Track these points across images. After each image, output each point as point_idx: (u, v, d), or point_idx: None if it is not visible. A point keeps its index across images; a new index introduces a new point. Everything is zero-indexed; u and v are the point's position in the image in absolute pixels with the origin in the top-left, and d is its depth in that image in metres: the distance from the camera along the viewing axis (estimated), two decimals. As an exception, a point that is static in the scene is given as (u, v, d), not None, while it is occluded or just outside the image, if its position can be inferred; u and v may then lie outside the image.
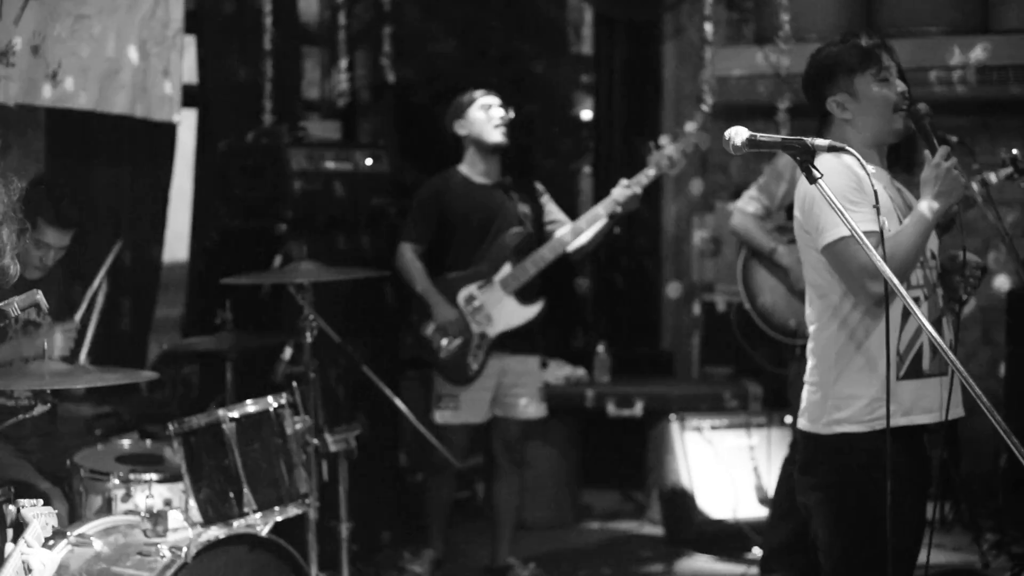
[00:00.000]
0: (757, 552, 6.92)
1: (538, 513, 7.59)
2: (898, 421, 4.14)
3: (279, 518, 4.94)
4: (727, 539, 7.07)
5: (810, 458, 4.25)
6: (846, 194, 4.03)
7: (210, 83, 7.64)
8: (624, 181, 6.42)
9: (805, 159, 3.28)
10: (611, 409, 7.79)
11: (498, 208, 6.46)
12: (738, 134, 3.32)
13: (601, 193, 8.73)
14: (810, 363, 4.28)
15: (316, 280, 5.61)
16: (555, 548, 7.36)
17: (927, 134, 4.17)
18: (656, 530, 7.54)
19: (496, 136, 6.42)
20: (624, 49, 9.10)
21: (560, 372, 8.01)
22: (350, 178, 6.80)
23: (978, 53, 7.85)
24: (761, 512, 7.09)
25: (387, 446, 6.99)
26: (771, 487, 7.18)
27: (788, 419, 7.11)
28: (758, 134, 3.35)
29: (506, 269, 6.46)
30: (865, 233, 3.98)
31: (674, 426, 7.35)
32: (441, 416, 6.44)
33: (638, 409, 7.75)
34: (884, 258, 3.76)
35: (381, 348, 6.83)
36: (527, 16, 9.44)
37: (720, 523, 7.12)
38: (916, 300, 4.22)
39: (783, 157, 6.19)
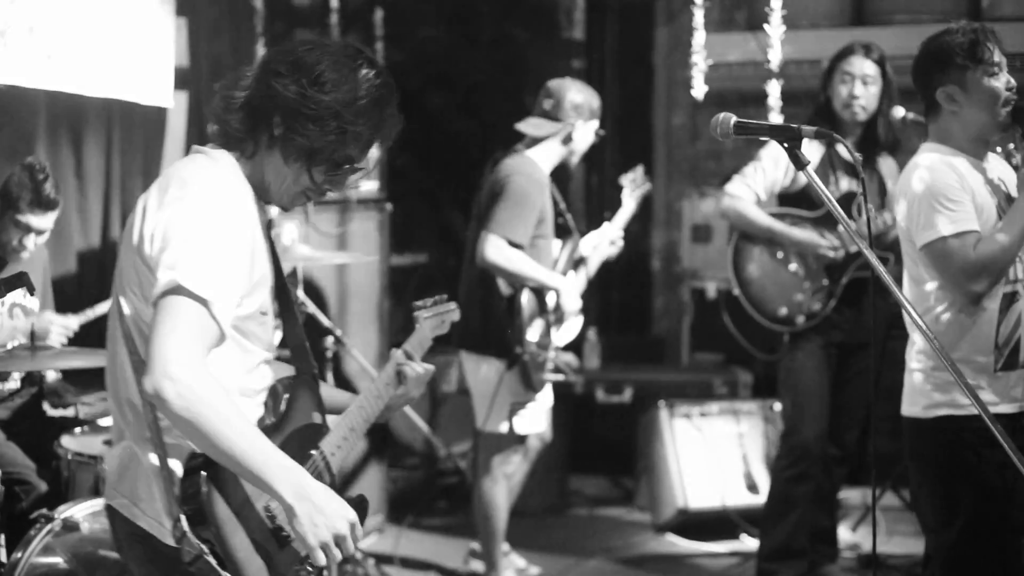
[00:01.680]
0: (745, 539, 6.95)
1: (526, 499, 7.58)
2: (998, 409, 4.23)
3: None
4: (715, 526, 7.08)
5: (915, 443, 4.41)
6: (947, 193, 4.16)
7: (201, 66, 7.61)
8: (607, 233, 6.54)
9: (792, 145, 3.27)
10: (600, 395, 7.80)
11: (553, 206, 6.31)
12: (726, 120, 3.31)
13: (592, 178, 8.75)
14: (914, 348, 4.40)
15: (307, 264, 5.60)
16: (543, 533, 7.37)
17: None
18: (644, 516, 7.55)
19: (583, 150, 6.33)
20: (616, 34, 9.10)
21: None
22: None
23: (969, 41, 7.83)
24: (749, 499, 7.11)
25: (375, 434, 6.97)
26: (759, 474, 7.20)
27: (778, 407, 7.11)
28: (746, 120, 3.34)
29: (571, 275, 6.41)
30: (966, 232, 4.13)
31: (663, 413, 7.36)
32: (527, 426, 6.23)
33: (627, 395, 7.76)
34: (980, 260, 4.04)
35: (368, 334, 6.83)
36: (518, 1, 9.42)
37: (708, 510, 7.13)
38: (1014, 294, 4.27)
39: (772, 145, 6.17)
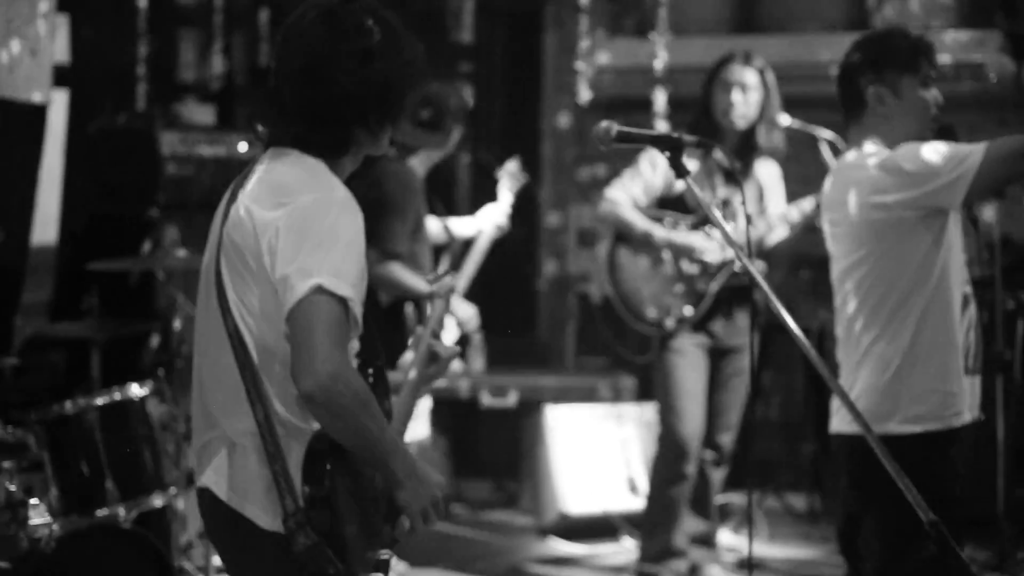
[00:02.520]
0: (627, 541, 6.97)
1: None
2: (966, 418, 4.16)
3: (143, 508, 4.87)
4: (598, 529, 7.10)
5: (864, 464, 3.76)
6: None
7: (83, 64, 7.50)
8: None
9: (674, 155, 3.27)
10: (485, 399, 7.79)
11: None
12: (609, 128, 3.29)
13: (480, 182, 8.74)
14: (872, 362, 4.19)
15: (186, 266, 5.53)
16: (427, 537, 7.33)
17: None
18: (528, 520, 7.55)
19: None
20: (504, 39, 9.10)
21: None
22: (224, 163, 6.72)
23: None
24: (631, 502, 7.13)
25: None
26: (641, 477, 7.22)
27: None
28: (628, 128, 3.33)
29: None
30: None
31: (547, 416, 7.37)
32: (410, 432, 6.23)
33: (512, 399, 7.76)
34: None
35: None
36: (407, 3, 9.39)
37: (591, 513, 7.15)
38: (966, 298, 4.25)
39: (651, 149, 6.17)
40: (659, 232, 6.21)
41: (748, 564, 6.52)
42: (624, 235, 6.31)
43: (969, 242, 4.37)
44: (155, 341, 5.55)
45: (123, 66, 7.52)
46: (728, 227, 6.10)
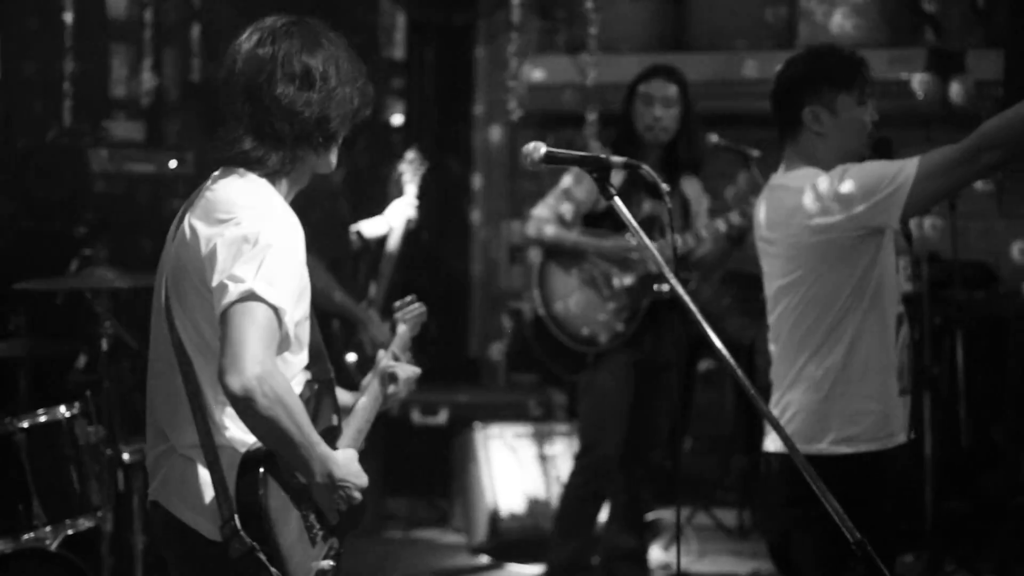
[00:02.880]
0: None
1: (342, 520, 7.52)
2: (899, 439, 4.17)
3: (70, 531, 4.81)
4: (528, 547, 7.09)
5: (800, 485, 3.68)
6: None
7: (9, 79, 7.43)
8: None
9: (602, 175, 3.27)
10: (416, 417, 7.77)
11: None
12: (536, 149, 3.29)
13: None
14: (805, 382, 4.19)
15: (114, 286, 5.48)
16: (358, 555, 7.31)
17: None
18: (459, 538, 7.54)
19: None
20: (436, 54, 9.09)
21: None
22: (154, 180, 6.67)
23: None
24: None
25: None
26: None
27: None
28: (556, 149, 3.33)
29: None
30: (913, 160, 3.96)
31: (478, 434, 7.36)
32: None
33: (443, 417, 7.74)
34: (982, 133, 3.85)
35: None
36: (339, 18, 9.30)
37: (521, 531, 7.14)
38: (900, 317, 4.25)
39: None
40: (590, 241, 6.24)
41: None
42: (554, 253, 6.31)
43: (903, 259, 4.40)
44: (82, 361, 5.48)
45: (51, 82, 7.45)
46: (655, 245, 6.13)
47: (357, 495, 3.24)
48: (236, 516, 3.08)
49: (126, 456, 5.29)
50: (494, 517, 7.22)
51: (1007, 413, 7.41)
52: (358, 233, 6.57)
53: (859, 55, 4.27)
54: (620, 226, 6.24)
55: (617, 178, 6.07)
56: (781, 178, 4.30)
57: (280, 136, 3.21)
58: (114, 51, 8.43)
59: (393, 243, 6.58)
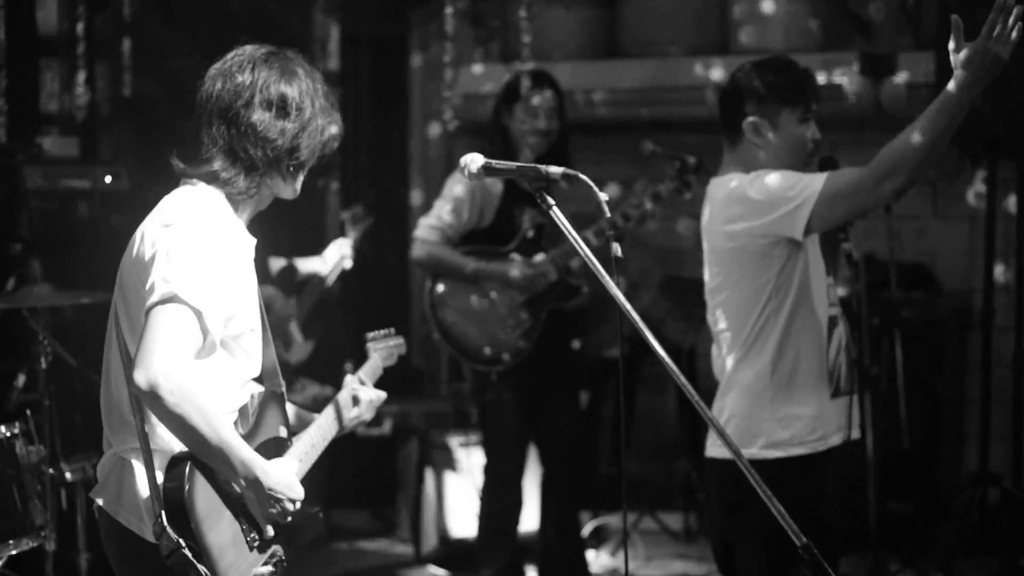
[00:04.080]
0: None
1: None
2: (832, 441, 4.19)
3: (13, 551, 4.76)
4: (474, 556, 7.09)
5: (735, 489, 3.95)
6: (784, 175, 4.11)
7: (-59, 97, 7.36)
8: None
9: (539, 186, 3.27)
10: (360, 428, 7.73)
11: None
12: (474, 160, 3.30)
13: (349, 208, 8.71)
14: (738, 386, 4.22)
15: (51, 304, 5.44)
16: (305, 568, 7.29)
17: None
18: (406, 548, 7.53)
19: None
20: (370, 65, 9.08)
21: (308, 391, 7.93)
22: (89, 196, 6.63)
23: (717, 73, 8.04)
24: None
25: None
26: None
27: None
28: (493, 161, 3.34)
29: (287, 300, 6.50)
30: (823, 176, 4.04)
31: (422, 445, 7.36)
32: None
33: (387, 427, 7.73)
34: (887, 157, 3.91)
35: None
36: (272, 31, 9.33)
37: (467, 540, 7.14)
38: (834, 318, 4.26)
39: (462, 181, 6.14)
40: (488, 268, 6.17)
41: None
42: (445, 275, 6.25)
43: (838, 261, 4.40)
44: (21, 380, 5.43)
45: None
46: (556, 253, 6.17)
47: (290, 507, 3.27)
48: (163, 512, 3.14)
49: (68, 475, 5.26)
50: (441, 527, 7.22)
51: (945, 412, 7.48)
52: (291, 265, 6.60)
53: (809, 72, 4.27)
54: (506, 240, 6.23)
55: (497, 190, 6.18)
56: (714, 182, 4.32)
57: (252, 161, 3.32)
58: (45, 66, 8.35)
59: (328, 278, 6.69)
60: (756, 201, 4.09)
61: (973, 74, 3.78)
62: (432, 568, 7.19)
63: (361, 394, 3.84)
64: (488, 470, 6.37)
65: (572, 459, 6.47)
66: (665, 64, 8.23)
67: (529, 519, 6.64)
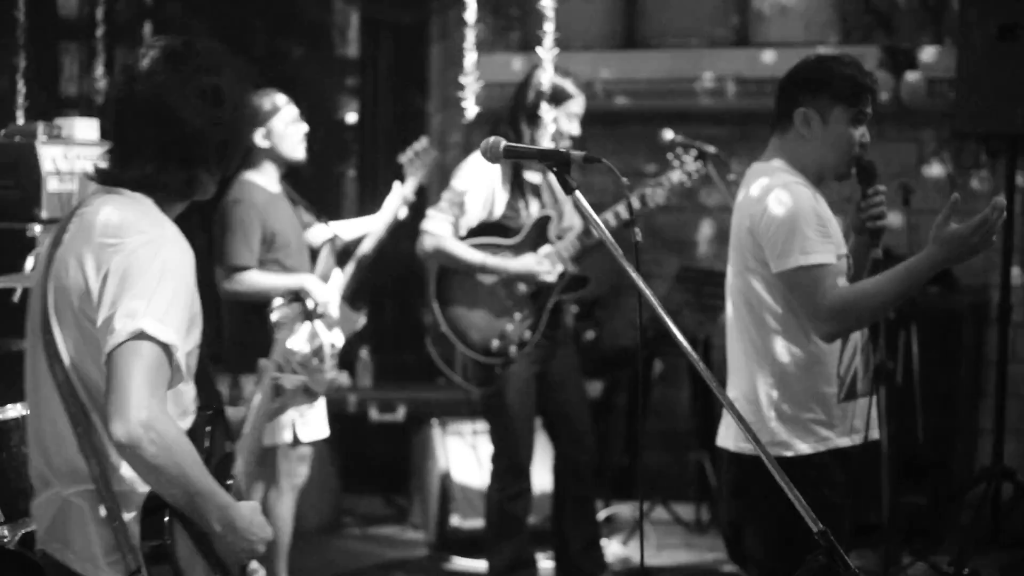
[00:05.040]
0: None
1: (299, 518, 7.51)
2: (840, 442, 4.18)
3: (29, 529, 4.79)
4: (484, 545, 7.11)
5: (746, 479, 4.15)
6: (809, 219, 4.06)
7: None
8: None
9: (561, 170, 3.27)
10: (374, 414, 7.76)
11: (292, 216, 6.27)
12: (496, 144, 3.30)
13: (365, 196, 8.72)
14: (743, 381, 4.22)
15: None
16: (317, 553, 7.31)
17: (866, 187, 4.17)
18: (418, 535, 7.55)
19: (300, 153, 6.14)
20: (390, 53, 9.08)
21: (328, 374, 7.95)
22: (108, 178, 6.64)
23: (737, 65, 8.03)
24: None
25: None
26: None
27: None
28: (515, 144, 3.35)
29: (337, 273, 6.31)
30: (822, 265, 4.03)
31: (436, 431, 7.37)
32: (311, 433, 6.19)
33: (400, 414, 7.74)
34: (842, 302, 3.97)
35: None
36: (292, 17, 9.34)
37: (479, 528, 7.15)
38: None
39: (475, 170, 6.18)
40: (493, 262, 6.17)
41: (640, 574, 6.59)
42: (451, 268, 6.25)
43: (864, 267, 4.38)
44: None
45: (2, 80, 7.40)
46: (561, 245, 6.18)
47: (261, 548, 3.11)
48: (143, 567, 2.98)
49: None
50: (453, 513, 7.23)
51: (960, 406, 7.48)
52: (334, 236, 6.45)
53: (872, 76, 4.25)
54: (512, 232, 6.26)
55: (507, 181, 6.20)
56: (755, 167, 4.29)
57: (186, 158, 3.09)
58: (65, 49, 8.37)
59: (367, 245, 6.45)
60: (771, 265, 4.14)
61: (947, 255, 3.90)
62: (444, 554, 7.20)
63: (284, 382, 3.68)
64: (496, 459, 6.38)
65: (586, 444, 6.48)
66: (685, 55, 8.23)
67: (538, 507, 6.66)
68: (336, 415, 7.73)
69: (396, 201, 6.48)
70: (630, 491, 7.84)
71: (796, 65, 4.30)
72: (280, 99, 6.10)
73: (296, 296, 5.94)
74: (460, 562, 7.12)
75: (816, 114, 4.17)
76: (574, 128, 6.25)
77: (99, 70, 8.16)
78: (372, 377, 8.06)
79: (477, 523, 7.10)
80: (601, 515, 7.36)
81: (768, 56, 7.89)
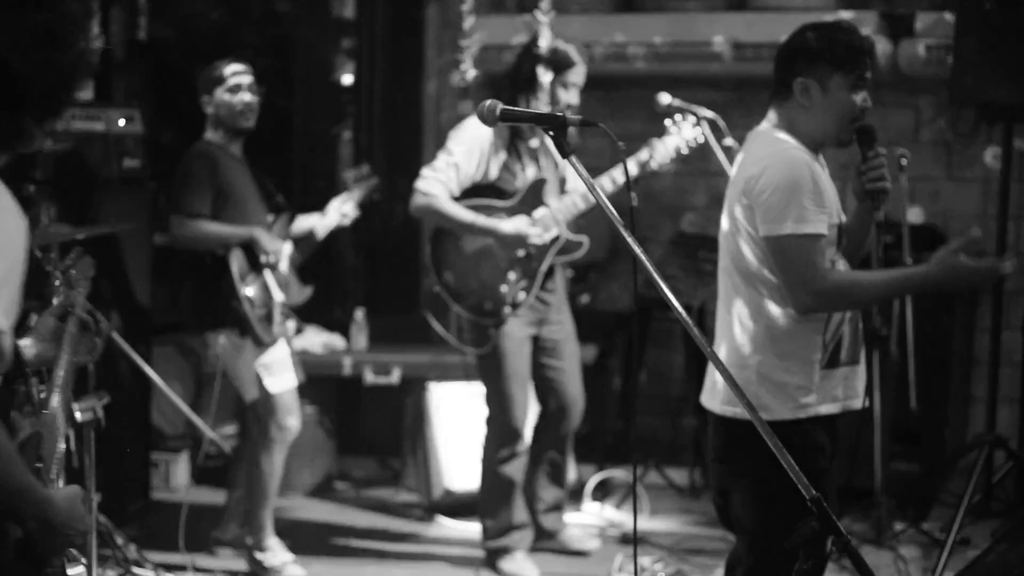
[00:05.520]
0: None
1: (293, 480, 7.54)
2: (820, 410, 4.18)
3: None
4: (478, 507, 7.13)
5: (731, 443, 4.19)
6: (805, 188, 4.05)
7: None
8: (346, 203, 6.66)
9: (559, 133, 3.27)
10: (368, 376, 7.77)
11: (251, 182, 6.37)
12: (492, 106, 3.29)
13: (360, 158, 8.71)
14: (728, 344, 4.24)
15: (65, 242, 5.45)
16: (311, 515, 7.33)
17: (866, 150, 4.17)
18: (412, 497, 7.56)
19: (242, 123, 6.27)
20: (386, 14, 9.06)
21: (317, 339, 7.96)
22: (102, 139, 6.63)
23: (734, 30, 8.00)
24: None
25: (137, 416, 6.86)
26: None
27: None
28: (512, 107, 3.34)
29: (287, 246, 6.40)
30: (814, 235, 4.04)
31: (431, 394, 7.38)
32: (279, 383, 6.27)
33: (395, 377, 7.75)
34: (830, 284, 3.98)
35: (133, 315, 6.70)
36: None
37: (472, 491, 7.16)
38: None
39: (470, 132, 6.23)
40: (483, 222, 6.21)
41: (633, 539, 6.62)
42: (447, 229, 6.30)
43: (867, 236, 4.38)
44: (33, 320, 5.43)
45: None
46: (557, 206, 6.20)
47: (79, 539, 2.99)
48: None
49: (78, 415, 5.27)
50: (448, 476, 7.25)
51: (954, 374, 7.49)
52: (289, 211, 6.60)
53: (869, 40, 4.23)
54: (506, 195, 6.30)
55: (501, 143, 6.23)
56: (754, 135, 4.30)
57: (10, 103, 2.73)
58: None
59: (318, 234, 6.65)
60: (754, 209, 4.14)
61: (944, 280, 4.03)
62: (437, 517, 7.22)
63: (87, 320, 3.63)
64: (490, 421, 6.41)
65: (571, 414, 6.56)
66: (683, 19, 8.20)
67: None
68: (331, 378, 7.76)
69: (334, 217, 6.65)
70: (624, 455, 7.85)
71: (792, 35, 4.28)
72: (228, 69, 6.29)
73: (247, 247, 6.17)
74: (453, 525, 7.13)
75: (815, 83, 4.16)
76: (572, 98, 6.26)
77: (94, 30, 8.09)
78: (367, 340, 8.06)
79: (469, 486, 7.11)
80: (594, 479, 7.38)
81: (766, 20, 7.86)
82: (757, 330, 4.18)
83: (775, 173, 4.10)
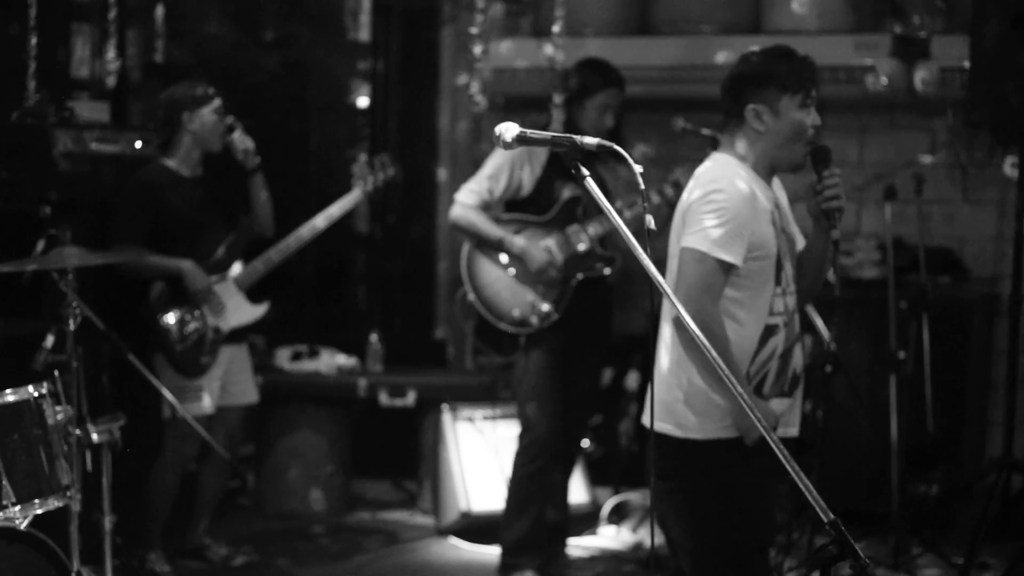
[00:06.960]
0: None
1: (309, 503, 7.54)
2: (732, 433, 4.20)
3: (39, 511, 4.77)
4: (496, 529, 7.10)
5: (668, 462, 4.22)
6: (734, 219, 4.12)
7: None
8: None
9: (574, 157, 3.28)
10: (384, 399, 7.76)
11: (204, 203, 6.49)
12: (508, 130, 3.30)
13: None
14: (668, 362, 4.29)
15: (80, 265, 5.46)
16: (326, 536, 7.32)
17: (821, 169, 4.20)
18: (427, 520, 7.55)
19: (220, 145, 6.48)
20: (401, 37, 9.08)
21: (332, 361, 7.96)
22: (118, 161, 6.66)
23: (749, 52, 8.00)
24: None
25: (152, 437, 6.86)
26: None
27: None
28: (528, 131, 3.34)
29: (238, 266, 6.51)
30: (717, 260, 4.12)
31: (446, 416, 7.37)
32: (197, 408, 6.39)
33: (411, 399, 7.74)
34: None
35: (147, 336, 6.71)
36: (303, 0, 9.34)
37: (491, 513, 7.15)
38: (775, 327, 4.28)
39: (501, 153, 6.33)
40: (510, 239, 6.37)
41: (650, 561, 6.60)
42: (475, 239, 6.45)
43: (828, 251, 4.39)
44: (50, 341, 5.45)
45: (14, 62, 7.40)
46: (623, 225, 6.20)
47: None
48: None
49: (94, 436, 5.28)
50: (463, 499, 7.23)
51: (970, 397, 7.47)
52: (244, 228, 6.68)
53: (809, 59, 4.33)
54: (543, 210, 6.40)
55: (540, 159, 6.31)
56: (712, 161, 4.35)
57: None
58: (77, 31, 8.37)
59: (284, 246, 6.76)
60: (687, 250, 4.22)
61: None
62: (453, 540, 7.20)
63: None
64: (521, 434, 6.49)
65: (574, 436, 6.71)
66: (696, 42, 8.21)
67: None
68: (346, 399, 7.76)
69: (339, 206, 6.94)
70: (640, 478, 7.84)
71: (735, 66, 4.38)
72: (211, 89, 6.51)
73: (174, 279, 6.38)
74: (469, 548, 7.11)
75: (766, 107, 4.25)
76: (609, 122, 6.39)
77: (111, 53, 8.15)
78: (382, 361, 8.06)
79: (485, 509, 7.10)
80: (610, 503, 7.37)
81: (781, 44, 7.85)
82: (685, 350, 4.23)
83: (717, 196, 4.17)
